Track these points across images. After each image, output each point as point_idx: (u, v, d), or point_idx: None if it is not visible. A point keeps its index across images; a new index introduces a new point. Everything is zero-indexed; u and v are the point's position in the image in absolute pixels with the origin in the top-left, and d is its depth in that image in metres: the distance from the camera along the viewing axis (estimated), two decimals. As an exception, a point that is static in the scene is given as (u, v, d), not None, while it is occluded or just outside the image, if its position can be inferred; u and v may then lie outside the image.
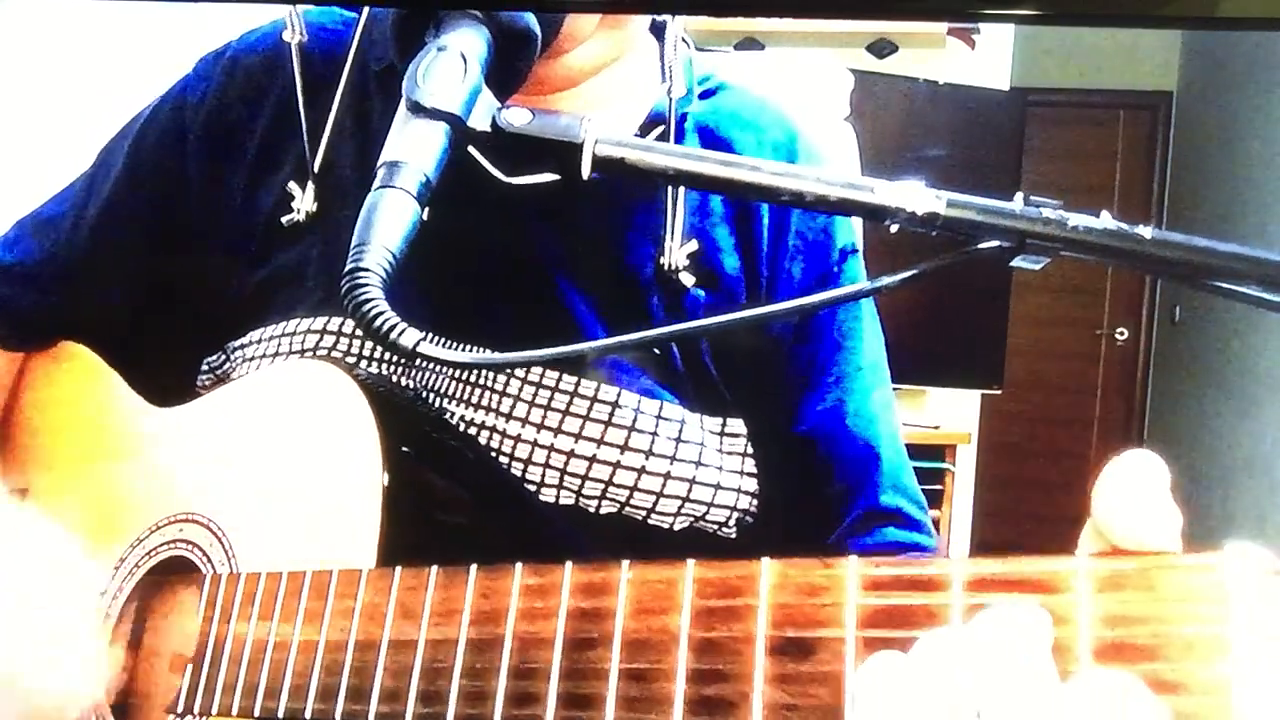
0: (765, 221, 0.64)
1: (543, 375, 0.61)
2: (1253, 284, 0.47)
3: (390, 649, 0.45)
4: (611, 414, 0.61)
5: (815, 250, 0.65)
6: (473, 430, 0.61)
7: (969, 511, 2.64)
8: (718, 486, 0.63)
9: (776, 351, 0.65)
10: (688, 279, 0.62)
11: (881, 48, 2.62)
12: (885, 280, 0.49)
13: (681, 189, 0.62)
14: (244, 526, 0.56)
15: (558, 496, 0.61)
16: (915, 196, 0.47)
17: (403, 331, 0.45)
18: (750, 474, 0.64)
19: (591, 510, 0.61)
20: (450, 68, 0.49)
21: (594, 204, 0.62)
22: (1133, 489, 0.33)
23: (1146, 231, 0.47)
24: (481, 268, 0.62)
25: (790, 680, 0.35)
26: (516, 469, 0.61)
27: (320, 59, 0.65)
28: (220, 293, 0.66)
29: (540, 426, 0.61)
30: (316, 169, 0.63)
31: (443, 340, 0.61)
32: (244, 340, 0.65)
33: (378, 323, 0.45)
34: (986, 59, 2.67)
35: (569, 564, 0.41)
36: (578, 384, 0.61)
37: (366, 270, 0.46)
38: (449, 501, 0.59)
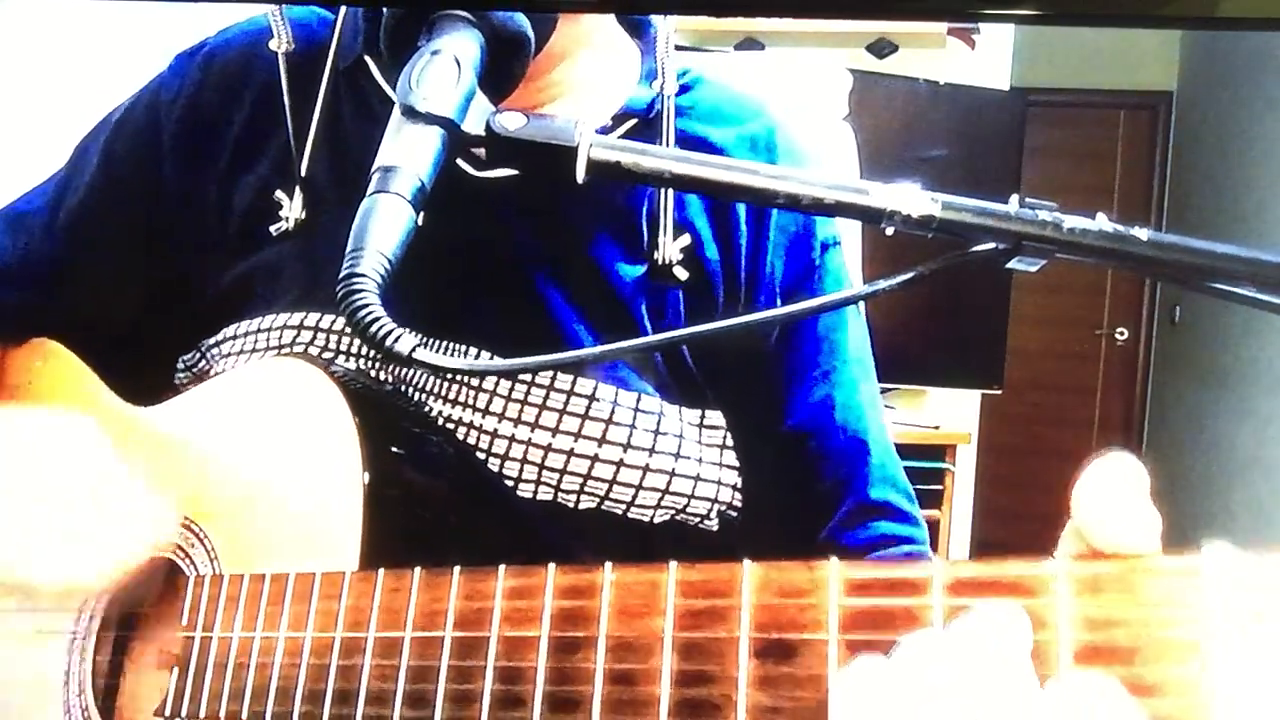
0: (744, 214, 0.64)
1: None
2: (1250, 285, 0.46)
3: (375, 651, 0.45)
4: (589, 408, 0.61)
5: (796, 244, 0.65)
6: (451, 425, 0.61)
7: (969, 511, 2.64)
8: (697, 478, 0.63)
9: (760, 348, 0.65)
10: (681, 273, 0.62)
11: (881, 48, 2.62)
12: (882, 284, 0.49)
13: None
14: (226, 528, 0.56)
15: (536, 492, 0.61)
16: (911, 199, 0.47)
17: (399, 338, 0.45)
18: (730, 466, 0.64)
19: (571, 505, 0.61)
20: (444, 72, 0.49)
21: (574, 200, 0.62)
22: (1112, 492, 0.33)
23: (1142, 233, 0.47)
24: (464, 266, 0.62)
25: (773, 682, 0.36)
26: (494, 464, 0.61)
27: (298, 60, 0.65)
28: (195, 290, 0.66)
29: (518, 421, 0.61)
30: (303, 174, 0.63)
31: (428, 338, 0.61)
32: (220, 337, 0.65)
33: (374, 329, 0.45)
34: (986, 59, 2.67)
35: (552, 566, 0.41)
36: (554, 378, 0.61)
37: (362, 276, 0.46)
38: (430, 498, 0.59)
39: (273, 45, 0.64)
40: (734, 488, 0.64)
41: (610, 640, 0.39)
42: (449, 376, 0.61)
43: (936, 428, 2.45)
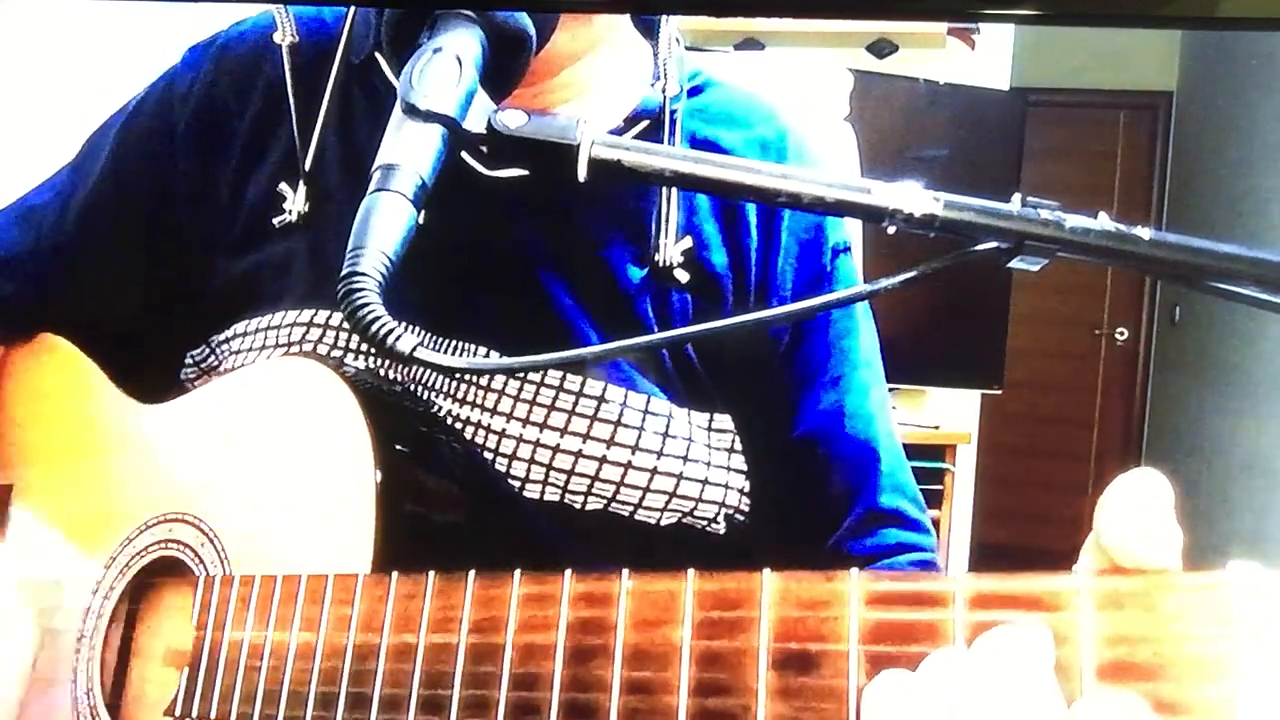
0: (753, 218, 0.64)
1: (528, 370, 0.61)
2: (1251, 284, 0.46)
3: (389, 657, 0.44)
4: (597, 409, 0.61)
5: (807, 249, 0.65)
6: (459, 425, 0.61)
7: (969, 511, 2.64)
8: (705, 482, 0.63)
9: (772, 353, 0.65)
10: (682, 275, 0.62)
11: (881, 48, 2.62)
12: (884, 282, 0.49)
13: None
14: (236, 527, 0.56)
15: (543, 492, 0.61)
16: (912, 198, 0.47)
17: (399, 337, 0.45)
18: (738, 470, 0.64)
19: (577, 507, 0.61)
20: (445, 70, 0.49)
21: (580, 199, 0.62)
22: (1137, 508, 0.33)
23: (1144, 232, 0.47)
24: (470, 264, 0.62)
25: (793, 694, 0.35)
26: (502, 465, 0.61)
27: (308, 55, 0.65)
28: (204, 285, 0.66)
29: (525, 421, 0.61)
30: (307, 168, 0.63)
31: (433, 337, 0.61)
32: (229, 333, 0.65)
33: (374, 328, 0.45)
34: (986, 59, 2.67)
35: (569, 572, 0.40)
36: (563, 379, 0.61)
37: (363, 275, 0.46)
38: (440, 498, 0.59)
39: (277, 38, 0.64)
40: (741, 491, 0.64)
41: (627, 649, 0.38)
42: (455, 375, 0.61)
43: (936, 428, 2.45)
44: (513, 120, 0.50)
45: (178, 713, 0.52)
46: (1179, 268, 0.47)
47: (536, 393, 0.61)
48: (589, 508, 0.61)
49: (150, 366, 0.67)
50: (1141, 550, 0.32)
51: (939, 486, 2.36)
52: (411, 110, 0.49)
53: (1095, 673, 0.32)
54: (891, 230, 0.48)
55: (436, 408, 0.61)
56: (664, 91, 0.63)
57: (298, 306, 0.63)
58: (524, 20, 0.53)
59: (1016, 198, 0.47)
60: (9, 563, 0.65)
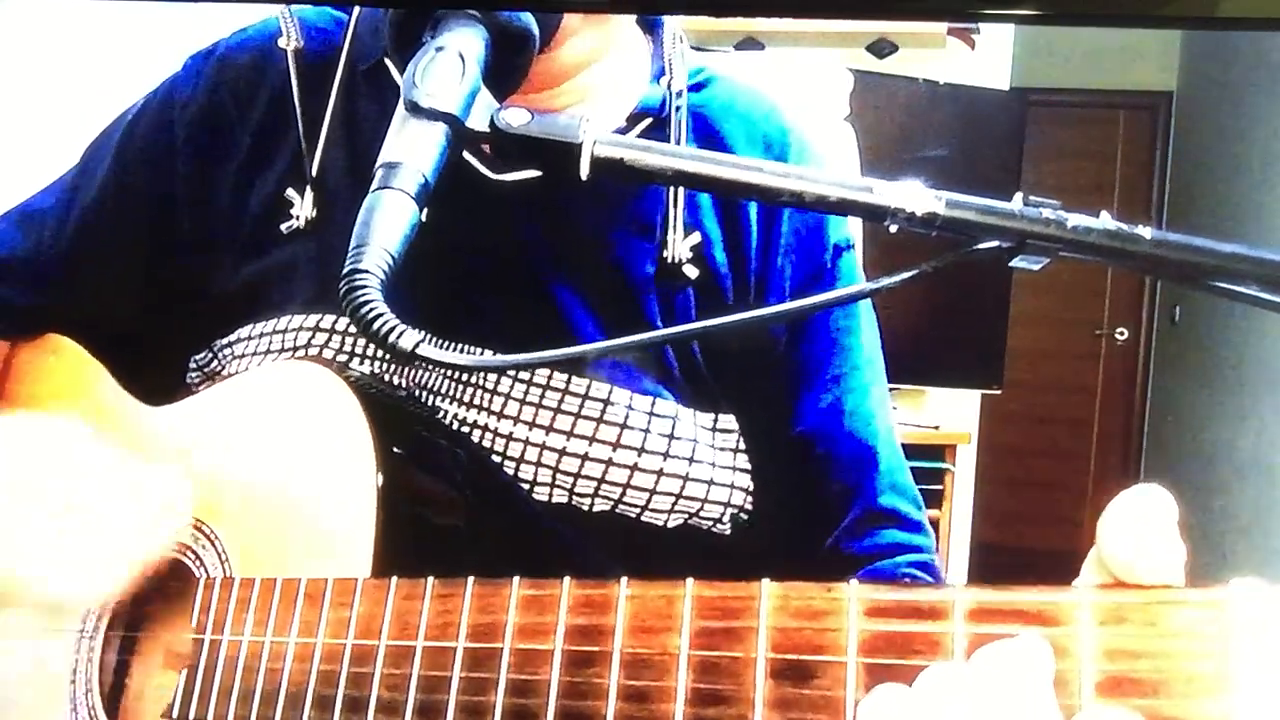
0: (754, 215, 0.64)
1: (534, 373, 0.61)
2: (1252, 284, 0.46)
3: (387, 660, 0.44)
4: (603, 411, 0.61)
5: (808, 246, 0.65)
6: (465, 429, 0.61)
7: (969, 511, 2.63)
8: (711, 483, 0.63)
9: (772, 351, 0.64)
10: (691, 271, 0.62)
11: (881, 48, 2.62)
12: (884, 281, 0.49)
13: None
14: (237, 530, 0.56)
15: (550, 495, 0.61)
16: (914, 197, 0.47)
17: (401, 334, 0.45)
18: (744, 470, 0.64)
19: (585, 509, 0.61)
20: (448, 68, 0.49)
21: (584, 199, 0.62)
22: (1139, 524, 0.33)
23: (1146, 232, 0.47)
24: (474, 265, 0.62)
25: (790, 705, 0.35)
26: (509, 468, 0.61)
27: (311, 61, 0.65)
28: (208, 290, 0.66)
29: (532, 425, 0.61)
30: (314, 174, 0.63)
31: (438, 339, 0.61)
32: (233, 337, 0.65)
33: (376, 325, 0.45)
34: (986, 59, 2.67)
35: (567, 579, 0.40)
36: (569, 382, 0.61)
37: (365, 272, 0.46)
38: (443, 502, 0.59)
39: (281, 43, 0.64)
40: (747, 492, 0.64)
41: (625, 656, 0.38)
42: (463, 379, 0.61)
43: (936, 428, 2.45)
44: (515, 118, 0.50)
45: (175, 714, 0.52)
46: (1180, 267, 0.47)
47: (542, 396, 0.61)
48: (596, 509, 0.61)
49: (155, 369, 0.67)
50: (1143, 566, 0.32)
51: (939, 486, 2.36)
52: (414, 108, 0.49)
53: (1095, 688, 0.32)
54: (893, 229, 0.48)
55: (441, 412, 0.61)
56: (669, 88, 0.63)
57: (303, 311, 0.63)
58: (527, 19, 0.53)
59: (1018, 197, 0.47)
60: (12, 561, 0.65)
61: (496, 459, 0.61)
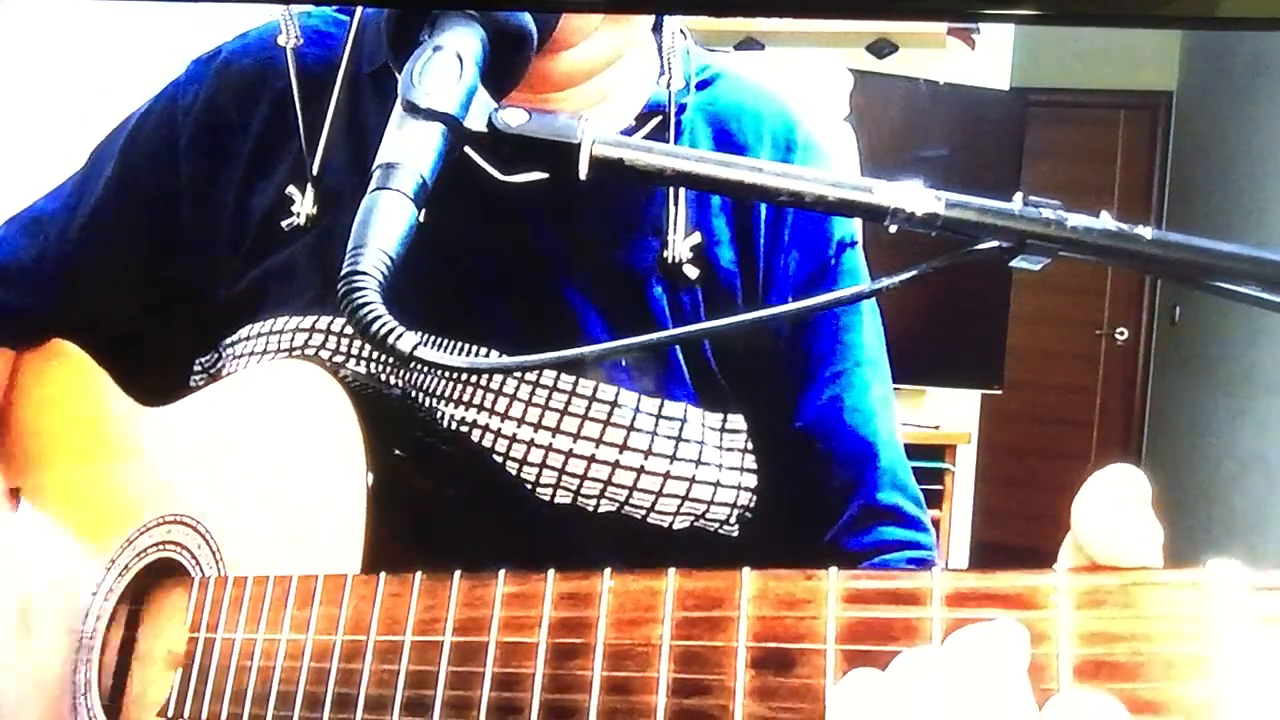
0: (763, 214, 0.64)
1: (540, 374, 0.61)
2: (1252, 284, 0.46)
3: (375, 657, 0.44)
4: (610, 413, 0.61)
5: (811, 242, 0.65)
6: (465, 429, 0.61)
7: (969, 511, 2.64)
8: (717, 485, 0.62)
9: (775, 347, 0.64)
10: (691, 271, 0.62)
11: (881, 48, 2.62)
12: (885, 281, 0.49)
13: None
14: (231, 529, 0.56)
15: (554, 496, 0.61)
16: (914, 197, 0.47)
17: (400, 336, 0.45)
18: (751, 470, 0.64)
19: (590, 509, 0.61)
20: (446, 68, 0.49)
21: (589, 199, 0.62)
22: (1114, 504, 0.33)
23: (1146, 232, 0.47)
24: (478, 266, 0.62)
25: (770, 694, 0.35)
26: (513, 468, 0.61)
27: (314, 62, 0.65)
28: (211, 293, 0.66)
29: (538, 426, 0.60)
30: (315, 172, 0.63)
31: (440, 341, 0.61)
32: (235, 338, 0.65)
33: (374, 327, 0.45)
34: (986, 59, 2.67)
35: (551, 572, 0.40)
36: (576, 383, 0.61)
37: (363, 274, 0.46)
38: (436, 501, 0.59)
39: (280, 41, 0.64)
40: (753, 491, 0.64)
41: (608, 648, 0.38)
42: (463, 380, 0.61)
43: (936, 428, 2.45)
44: (513, 118, 0.50)
45: (170, 713, 0.52)
46: (1180, 267, 0.47)
47: (548, 398, 0.61)
48: (602, 510, 0.61)
49: (158, 372, 0.67)
50: (1118, 547, 0.32)
51: (939, 486, 2.36)
52: (412, 108, 0.49)
53: (1073, 671, 0.31)
54: (893, 229, 0.48)
55: (438, 413, 0.61)
56: (669, 86, 0.63)
57: (301, 312, 0.63)
58: (525, 19, 0.53)
59: (1018, 197, 0.47)
60: (17, 565, 0.65)
61: (499, 459, 0.61)
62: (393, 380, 0.62)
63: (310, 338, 0.62)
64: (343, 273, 0.46)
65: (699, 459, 0.62)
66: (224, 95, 0.66)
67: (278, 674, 0.48)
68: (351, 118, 0.64)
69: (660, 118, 0.63)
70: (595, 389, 0.61)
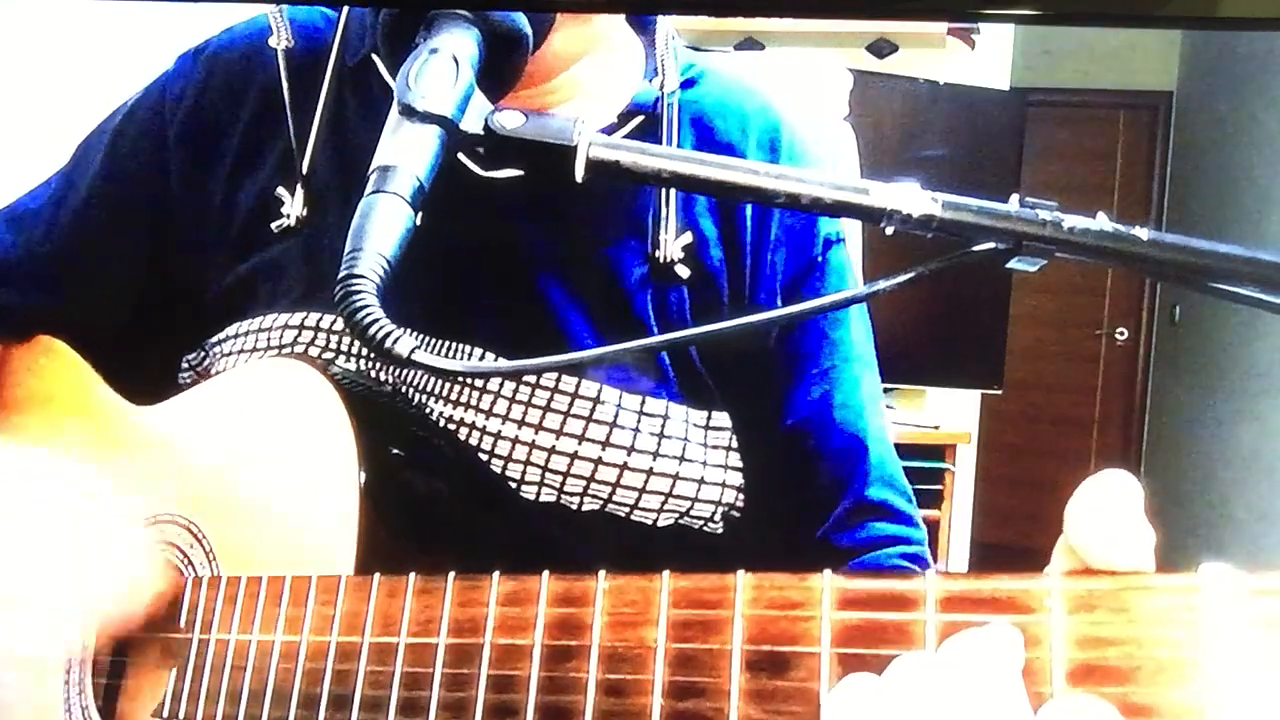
0: (749, 212, 0.64)
1: None
2: (1250, 285, 0.46)
3: (370, 658, 0.44)
4: (593, 410, 0.61)
5: (798, 240, 0.65)
6: (453, 427, 0.61)
7: (969, 511, 2.64)
8: (701, 482, 0.62)
9: (763, 345, 0.64)
10: (683, 271, 0.62)
11: (881, 48, 2.62)
12: (881, 284, 0.49)
13: None
14: (223, 528, 0.56)
15: (539, 494, 0.61)
16: (911, 198, 0.47)
17: (397, 339, 0.45)
18: (735, 468, 0.64)
19: (574, 508, 0.61)
20: (442, 71, 0.49)
21: (576, 198, 0.62)
22: (1106, 509, 0.33)
23: (1143, 233, 0.47)
24: (464, 265, 0.62)
25: (765, 696, 0.35)
26: (497, 466, 0.61)
27: (301, 59, 0.65)
28: (199, 290, 0.66)
29: (521, 423, 0.60)
30: (304, 172, 0.63)
31: (429, 339, 0.61)
32: (222, 336, 0.65)
33: (372, 330, 0.45)
34: (986, 59, 2.67)
35: (546, 573, 0.40)
36: (558, 380, 0.61)
37: (361, 277, 0.46)
38: (429, 499, 0.59)
39: (272, 42, 0.64)
40: (738, 489, 0.64)
41: (603, 650, 0.38)
42: (450, 378, 0.61)
43: (936, 428, 2.45)
44: (510, 121, 0.50)
45: (165, 714, 0.52)
46: (1177, 268, 0.47)
47: (531, 394, 0.61)
48: (585, 508, 0.61)
49: (146, 369, 0.67)
50: (1110, 551, 0.32)
51: (939, 486, 2.35)
52: (408, 111, 0.49)
53: (1066, 676, 0.32)
54: (890, 231, 0.48)
55: (429, 409, 0.61)
56: (662, 88, 0.63)
57: (290, 309, 0.63)
58: (520, 20, 0.53)
59: (1015, 198, 0.47)
60: (6, 563, 0.65)
61: (484, 457, 0.61)
62: (382, 377, 0.62)
63: (299, 335, 0.62)
64: (340, 276, 0.46)
65: (682, 456, 0.62)
66: (213, 88, 0.66)
67: (272, 674, 0.48)
68: (335, 113, 0.64)
69: (643, 117, 0.63)
70: (578, 385, 0.61)
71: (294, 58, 0.64)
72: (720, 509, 0.64)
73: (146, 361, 0.68)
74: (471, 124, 0.50)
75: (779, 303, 0.64)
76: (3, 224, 0.70)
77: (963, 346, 2.58)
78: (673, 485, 0.62)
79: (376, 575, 0.46)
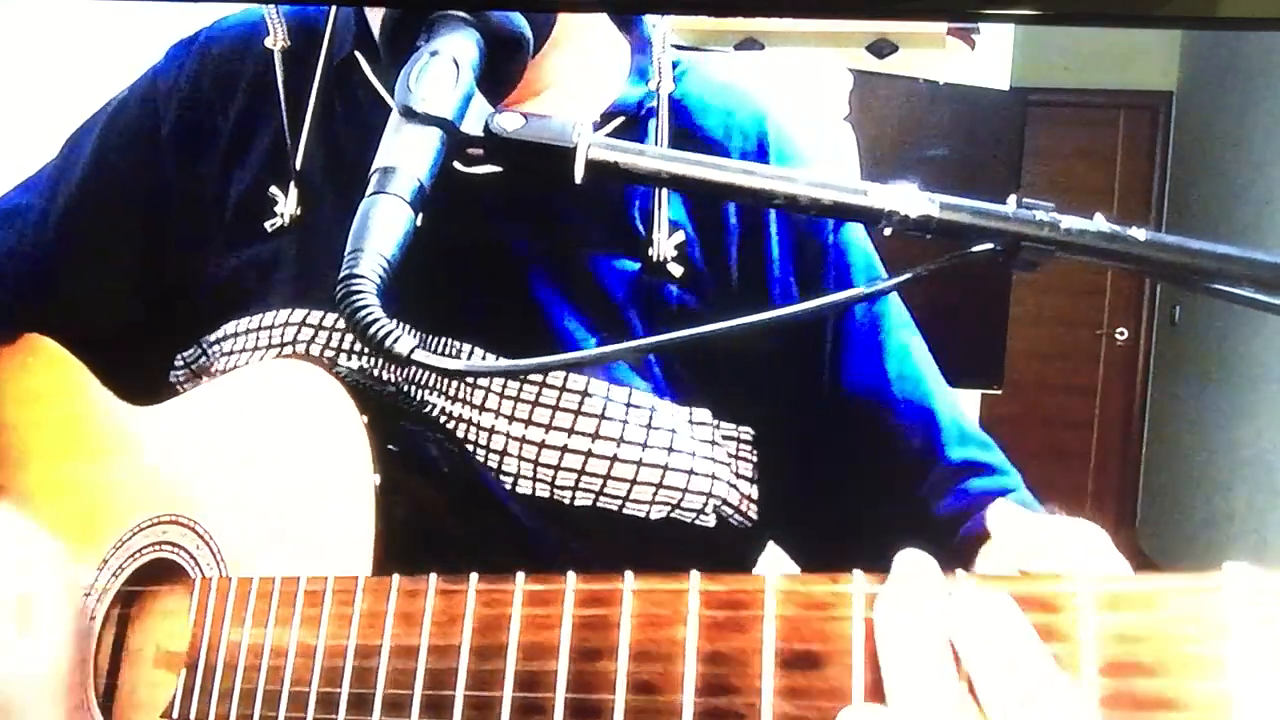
0: (732, 210, 0.63)
1: None
2: (1248, 286, 0.46)
3: (391, 657, 0.44)
4: (581, 403, 0.61)
5: (803, 228, 0.64)
6: (450, 423, 0.61)
7: (969, 512, 2.63)
8: (691, 473, 0.63)
9: (771, 343, 0.64)
10: (676, 269, 0.62)
11: (881, 48, 2.62)
12: (880, 284, 0.50)
13: None
14: (231, 529, 0.56)
15: (533, 489, 0.61)
16: (909, 200, 0.47)
17: (398, 339, 0.45)
18: (723, 462, 0.64)
19: (567, 502, 0.61)
20: (442, 73, 0.49)
21: (569, 197, 0.62)
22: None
23: (1140, 233, 0.47)
24: (456, 263, 0.62)
25: (799, 693, 0.36)
26: (492, 462, 0.61)
27: (296, 53, 0.65)
28: (192, 285, 0.66)
29: (511, 417, 0.61)
30: (297, 169, 0.63)
31: (423, 336, 0.61)
32: (220, 334, 0.65)
33: (373, 330, 0.45)
34: (986, 59, 2.67)
35: (572, 574, 0.41)
36: (546, 374, 0.61)
37: (361, 277, 0.46)
38: (436, 498, 0.59)
39: (268, 43, 0.64)
40: (729, 484, 0.64)
41: (633, 648, 0.39)
42: (450, 377, 0.61)
43: (937, 428, 2.44)
44: (509, 123, 0.50)
45: (175, 714, 0.52)
46: (1175, 268, 0.47)
47: (520, 389, 0.61)
48: (577, 503, 0.61)
49: (139, 367, 0.67)
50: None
51: (939, 486, 2.35)
52: (409, 113, 0.49)
53: (1097, 670, 0.32)
54: (888, 232, 0.48)
55: (430, 406, 0.61)
56: (659, 88, 0.63)
57: (288, 306, 0.63)
58: (520, 22, 0.53)
59: (1012, 199, 0.47)
60: (7, 565, 0.65)
61: (479, 452, 0.61)
62: (385, 375, 0.62)
63: (300, 332, 0.62)
64: (340, 276, 0.46)
65: (671, 446, 0.62)
66: (204, 80, 0.66)
67: (289, 674, 0.48)
68: (324, 109, 0.64)
69: (624, 119, 0.63)
70: (565, 380, 0.61)
71: (287, 53, 0.64)
72: (711, 501, 0.64)
73: (139, 359, 0.68)
74: (472, 126, 0.50)
75: (796, 293, 0.64)
76: None
77: (963, 346, 2.58)
78: (663, 476, 0.62)
79: (396, 576, 0.46)
